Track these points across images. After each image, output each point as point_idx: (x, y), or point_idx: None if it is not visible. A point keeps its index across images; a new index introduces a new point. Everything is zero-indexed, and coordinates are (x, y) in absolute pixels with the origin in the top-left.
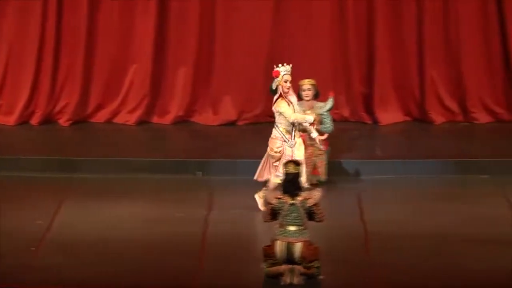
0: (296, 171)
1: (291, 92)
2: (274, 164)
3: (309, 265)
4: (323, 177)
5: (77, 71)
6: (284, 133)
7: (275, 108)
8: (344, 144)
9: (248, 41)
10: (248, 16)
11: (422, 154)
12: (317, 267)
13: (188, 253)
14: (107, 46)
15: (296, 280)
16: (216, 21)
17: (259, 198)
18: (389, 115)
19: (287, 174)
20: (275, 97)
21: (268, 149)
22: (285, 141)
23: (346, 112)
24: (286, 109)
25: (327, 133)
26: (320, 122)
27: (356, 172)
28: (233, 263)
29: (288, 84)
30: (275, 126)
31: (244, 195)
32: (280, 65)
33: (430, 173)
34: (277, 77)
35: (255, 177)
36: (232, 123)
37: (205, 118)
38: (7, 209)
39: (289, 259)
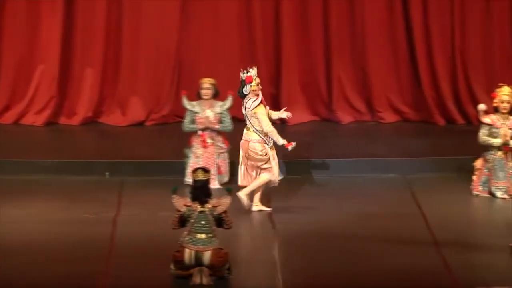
0: (206, 178)
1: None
2: (264, 166)
3: (219, 269)
4: (226, 176)
5: None
6: (263, 135)
7: (254, 112)
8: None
9: (155, 41)
10: (155, 17)
11: (330, 153)
12: (227, 269)
13: (97, 254)
14: (14, 47)
15: (205, 280)
16: (123, 21)
17: (243, 196)
18: (297, 115)
19: (195, 181)
20: (252, 101)
21: (250, 153)
22: (265, 143)
23: None
24: (264, 118)
25: (226, 132)
26: (220, 121)
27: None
28: (142, 264)
29: (260, 86)
30: (252, 129)
31: (153, 196)
32: (248, 69)
33: (338, 172)
34: (251, 82)
35: (239, 183)
36: (140, 124)
37: (113, 118)
38: None
39: (198, 265)
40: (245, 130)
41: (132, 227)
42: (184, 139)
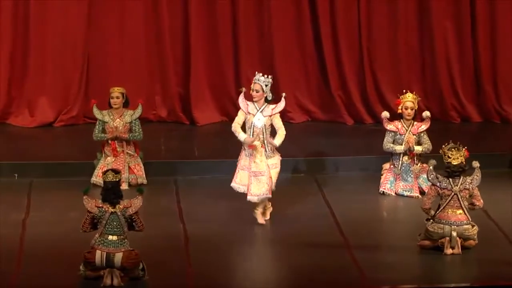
0: (116, 179)
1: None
2: None
3: (132, 270)
4: (142, 179)
5: None
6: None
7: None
8: (162, 144)
9: (63, 41)
10: (62, 15)
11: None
12: (141, 269)
13: (6, 256)
14: None
15: (116, 281)
16: (30, 20)
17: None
18: (206, 115)
19: (106, 183)
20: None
21: None
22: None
23: (163, 113)
24: (237, 116)
25: (137, 140)
26: (130, 130)
27: (175, 172)
28: (51, 266)
29: (254, 93)
30: None
31: (62, 197)
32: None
33: None
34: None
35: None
36: (49, 125)
37: (22, 120)
38: None
39: (109, 266)
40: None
41: (41, 229)
42: (94, 141)
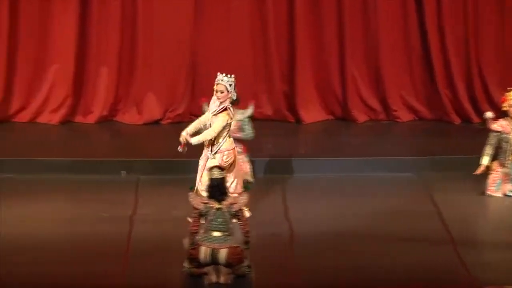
0: (221, 176)
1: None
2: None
3: (237, 267)
4: (249, 177)
5: None
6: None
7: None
8: (268, 143)
9: (170, 39)
10: (170, 14)
11: (344, 152)
12: (247, 266)
13: (113, 253)
14: (28, 47)
15: (222, 278)
16: (138, 19)
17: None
18: (312, 114)
19: (211, 180)
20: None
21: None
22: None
23: (269, 111)
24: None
25: (248, 139)
26: (240, 129)
27: (280, 171)
28: (156, 263)
29: (219, 94)
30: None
31: (168, 194)
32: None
33: (353, 171)
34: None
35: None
36: (156, 122)
37: (129, 117)
38: None
39: (213, 263)
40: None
41: (148, 226)
42: None
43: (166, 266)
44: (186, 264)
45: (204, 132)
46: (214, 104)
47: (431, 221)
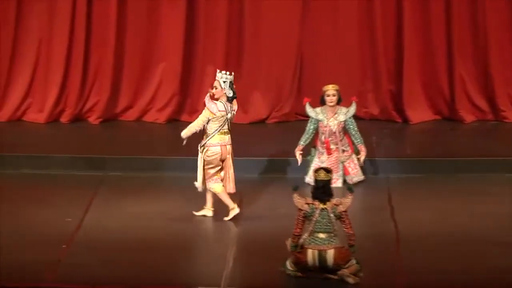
0: (327, 178)
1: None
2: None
3: (346, 266)
4: (356, 176)
5: (106, 70)
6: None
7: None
8: (374, 142)
9: (277, 38)
10: (277, 13)
11: (452, 152)
12: (357, 263)
13: (216, 252)
14: (136, 45)
15: (350, 280)
16: (245, 18)
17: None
18: (419, 114)
19: (317, 181)
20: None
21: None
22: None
23: (375, 111)
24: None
25: (360, 144)
26: (344, 129)
27: (386, 170)
28: (260, 262)
29: (213, 90)
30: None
31: (272, 193)
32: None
33: (459, 172)
34: None
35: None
36: (261, 122)
37: (236, 116)
38: (37, 206)
39: (321, 266)
40: (228, 136)
41: (252, 224)
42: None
43: (269, 265)
44: (290, 267)
45: (192, 123)
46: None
47: None
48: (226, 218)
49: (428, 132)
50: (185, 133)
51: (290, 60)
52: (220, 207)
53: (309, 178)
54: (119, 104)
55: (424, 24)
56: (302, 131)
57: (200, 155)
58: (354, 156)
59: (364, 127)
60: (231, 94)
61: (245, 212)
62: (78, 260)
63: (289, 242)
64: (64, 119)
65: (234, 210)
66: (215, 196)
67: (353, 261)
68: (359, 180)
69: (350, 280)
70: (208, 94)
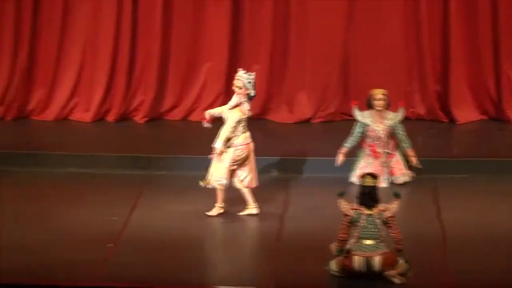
0: (374, 184)
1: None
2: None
3: (394, 267)
4: (402, 177)
5: (152, 69)
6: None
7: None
8: (420, 143)
9: (322, 39)
10: (323, 13)
11: (498, 153)
12: (406, 262)
13: (263, 251)
14: (181, 44)
15: (397, 280)
16: (290, 18)
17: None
18: (465, 114)
19: (363, 187)
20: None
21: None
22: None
23: (421, 111)
24: None
25: (409, 148)
26: (392, 133)
27: (433, 170)
28: (304, 261)
29: (237, 89)
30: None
31: (318, 193)
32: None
33: (506, 172)
34: None
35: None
36: (306, 121)
37: (280, 116)
38: (83, 205)
39: (369, 271)
40: (249, 133)
41: (297, 224)
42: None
43: (314, 266)
44: (335, 269)
45: (221, 131)
46: (233, 98)
47: None
48: (240, 213)
49: (475, 132)
50: (219, 141)
51: (336, 60)
52: (268, 205)
53: (354, 178)
54: (164, 103)
55: (471, 24)
56: (347, 130)
57: (225, 155)
58: (399, 157)
59: (410, 127)
60: (253, 94)
61: (292, 212)
62: (124, 260)
63: (334, 246)
64: (110, 118)
65: (253, 209)
66: (245, 194)
67: (402, 261)
68: (405, 180)
69: (396, 280)
70: (239, 95)
